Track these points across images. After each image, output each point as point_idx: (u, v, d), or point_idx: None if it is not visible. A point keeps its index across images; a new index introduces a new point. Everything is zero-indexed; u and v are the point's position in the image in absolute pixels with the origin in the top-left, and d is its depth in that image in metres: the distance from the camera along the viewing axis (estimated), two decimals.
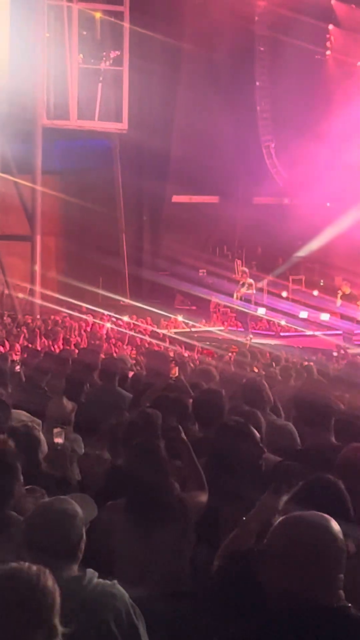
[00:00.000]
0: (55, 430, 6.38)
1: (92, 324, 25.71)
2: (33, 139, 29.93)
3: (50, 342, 20.78)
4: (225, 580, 4.40)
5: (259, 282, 29.48)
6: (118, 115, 31.62)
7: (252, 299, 26.79)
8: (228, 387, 9.22)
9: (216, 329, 28.71)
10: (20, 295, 30.01)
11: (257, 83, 34.33)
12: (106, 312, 27.95)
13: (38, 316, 27.86)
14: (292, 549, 3.47)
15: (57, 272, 31.80)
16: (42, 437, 6.61)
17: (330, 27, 32.45)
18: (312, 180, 31.65)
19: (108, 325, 26.15)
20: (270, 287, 31.04)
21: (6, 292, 30.27)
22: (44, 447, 6.59)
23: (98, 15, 31.29)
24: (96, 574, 3.97)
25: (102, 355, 14.37)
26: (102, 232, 31.81)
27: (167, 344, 22.38)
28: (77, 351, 15.93)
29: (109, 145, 32.46)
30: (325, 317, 27.63)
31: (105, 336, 23.34)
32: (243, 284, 26.69)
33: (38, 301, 29.73)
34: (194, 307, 31.82)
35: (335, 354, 20.89)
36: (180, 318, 29.63)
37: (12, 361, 14.17)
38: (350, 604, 3.46)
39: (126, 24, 31.15)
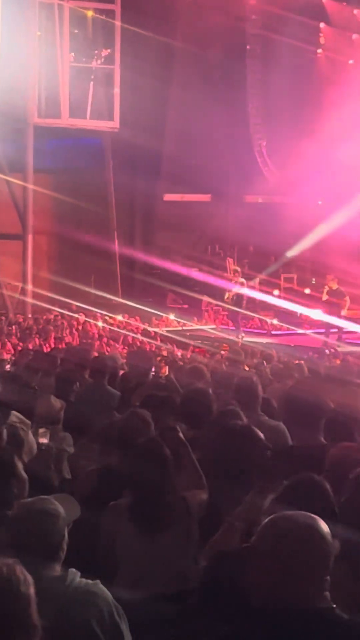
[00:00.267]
0: (41, 430, 6.37)
1: (83, 323, 25.69)
2: (24, 138, 29.91)
3: (42, 341, 20.79)
4: (210, 580, 4.39)
5: (251, 281, 29.48)
6: (110, 113, 31.61)
7: (244, 298, 26.75)
8: (219, 386, 9.22)
9: (208, 328, 28.71)
10: (12, 294, 29.96)
11: (249, 81, 34.32)
12: (98, 311, 27.93)
13: (30, 315, 27.85)
14: (279, 548, 3.45)
15: (49, 271, 31.74)
16: (29, 437, 6.60)
17: (322, 25, 32.45)
18: (304, 178, 31.67)
19: (100, 324, 26.14)
20: (262, 285, 31.03)
21: None
22: (33, 448, 6.57)
23: (89, 13, 31.26)
24: (78, 573, 3.96)
25: (96, 354, 14.39)
26: (94, 231, 31.76)
27: (158, 342, 22.40)
28: (67, 350, 15.90)
29: (101, 144, 32.43)
30: (316, 315, 27.61)
31: (97, 335, 23.33)
32: (234, 282, 26.69)
33: (30, 300, 29.70)
34: (185, 306, 31.82)
35: (327, 352, 20.92)
36: (172, 316, 29.63)
37: (2, 360, 14.17)
38: (335, 605, 3.45)
39: (118, 22, 31.13)
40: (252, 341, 23.50)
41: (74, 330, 23.76)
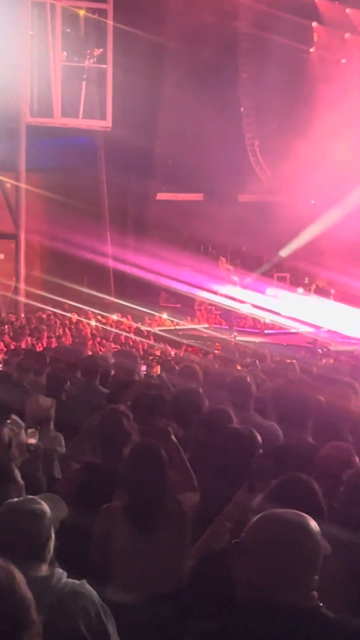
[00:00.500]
0: (30, 430, 6.36)
1: (76, 322, 25.68)
2: (17, 137, 29.91)
3: (35, 341, 20.76)
4: (199, 579, 4.39)
5: (244, 280, 29.52)
6: (102, 113, 31.63)
7: (236, 297, 26.81)
8: (212, 386, 9.20)
9: (201, 327, 28.73)
10: (5, 293, 29.95)
11: (241, 81, 34.33)
12: (91, 310, 27.93)
13: (22, 314, 27.82)
14: (268, 545, 3.44)
15: (42, 270, 31.74)
16: (20, 438, 6.58)
17: (314, 24, 32.47)
18: (297, 177, 31.66)
19: (93, 323, 26.13)
20: (254, 284, 31.04)
21: None
22: (24, 448, 6.56)
23: (82, 12, 31.27)
24: (65, 573, 3.96)
25: (90, 353, 14.38)
26: (86, 230, 31.71)
27: (151, 342, 22.40)
28: (59, 349, 15.88)
29: (93, 143, 32.42)
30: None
31: (90, 334, 23.32)
32: (227, 282, 26.74)
33: (22, 299, 29.68)
34: (178, 305, 31.82)
35: (319, 351, 20.96)
36: (165, 316, 29.64)
37: None
38: (322, 605, 3.44)
39: (110, 22, 31.15)
40: (245, 340, 23.53)
41: (66, 330, 23.74)
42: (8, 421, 6.96)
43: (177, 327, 28.43)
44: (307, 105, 31.46)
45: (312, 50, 33.15)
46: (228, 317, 27.15)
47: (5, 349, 18.98)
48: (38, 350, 17.16)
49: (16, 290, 29.97)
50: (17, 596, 2.98)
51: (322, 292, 25.59)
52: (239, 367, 13.81)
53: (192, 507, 5.53)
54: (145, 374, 11.72)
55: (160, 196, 34.18)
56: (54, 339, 21.06)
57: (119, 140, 31.20)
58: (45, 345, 19.57)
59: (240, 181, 33.80)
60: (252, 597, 3.42)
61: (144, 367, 12.28)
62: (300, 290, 31.02)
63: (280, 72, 31.37)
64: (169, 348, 20.78)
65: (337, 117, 30.08)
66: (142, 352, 18.17)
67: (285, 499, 3.99)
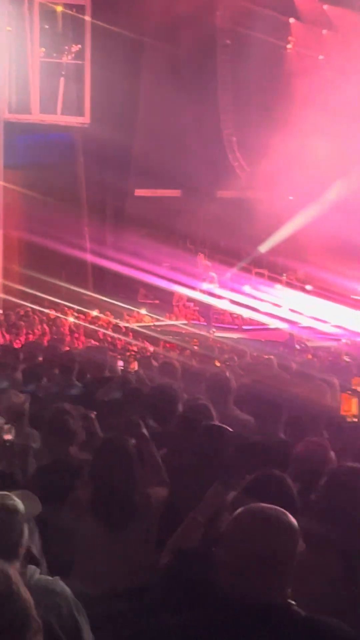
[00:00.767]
0: (6, 426, 6.34)
1: (55, 318, 25.62)
2: None
3: (12, 337, 20.71)
4: (173, 575, 4.39)
5: (222, 276, 29.54)
6: (80, 109, 31.54)
7: (215, 293, 26.81)
8: (191, 382, 9.23)
9: (179, 323, 28.72)
10: None
11: (219, 77, 34.32)
12: (69, 305, 27.89)
13: (0, 311, 27.74)
14: (246, 541, 3.45)
15: (20, 266, 31.64)
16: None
17: (292, 20, 32.50)
18: (275, 174, 31.66)
19: (71, 319, 26.08)
20: (233, 280, 31.06)
21: None
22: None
23: (59, 8, 31.16)
24: (38, 570, 3.95)
25: (67, 348, 14.37)
26: (65, 226, 31.64)
27: (130, 338, 22.37)
28: (36, 344, 15.86)
29: (72, 139, 32.34)
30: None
31: (68, 330, 23.27)
32: (206, 278, 26.74)
33: (1, 295, 29.61)
34: (157, 301, 31.81)
35: (297, 347, 20.98)
36: (143, 311, 29.62)
37: None
38: (295, 602, 3.45)
39: (88, 18, 31.05)
40: (223, 336, 23.53)
41: (44, 326, 23.68)
42: None
43: (156, 323, 28.40)
44: (285, 101, 31.43)
45: (289, 46, 33.18)
46: (206, 313, 27.15)
47: None
48: (16, 346, 17.12)
49: None
50: (20, 599, 2.99)
51: (300, 288, 25.65)
52: (217, 364, 13.82)
53: (159, 502, 5.53)
54: (122, 370, 11.70)
55: (139, 192, 34.15)
56: (31, 336, 21.04)
57: (97, 136, 31.13)
58: (23, 341, 19.53)
59: (219, 177, 33.81)
60: (228, 594, 3.43)
61: (121, 363, 12.26)
62: (278, 286, 31.09)
63: (257, 68, 31.40)
64: (147, 344, 20.76)
65: (315, 113, 30.11)
66: (119, 348, 18.18)
67: (259, 495, 4.00)
